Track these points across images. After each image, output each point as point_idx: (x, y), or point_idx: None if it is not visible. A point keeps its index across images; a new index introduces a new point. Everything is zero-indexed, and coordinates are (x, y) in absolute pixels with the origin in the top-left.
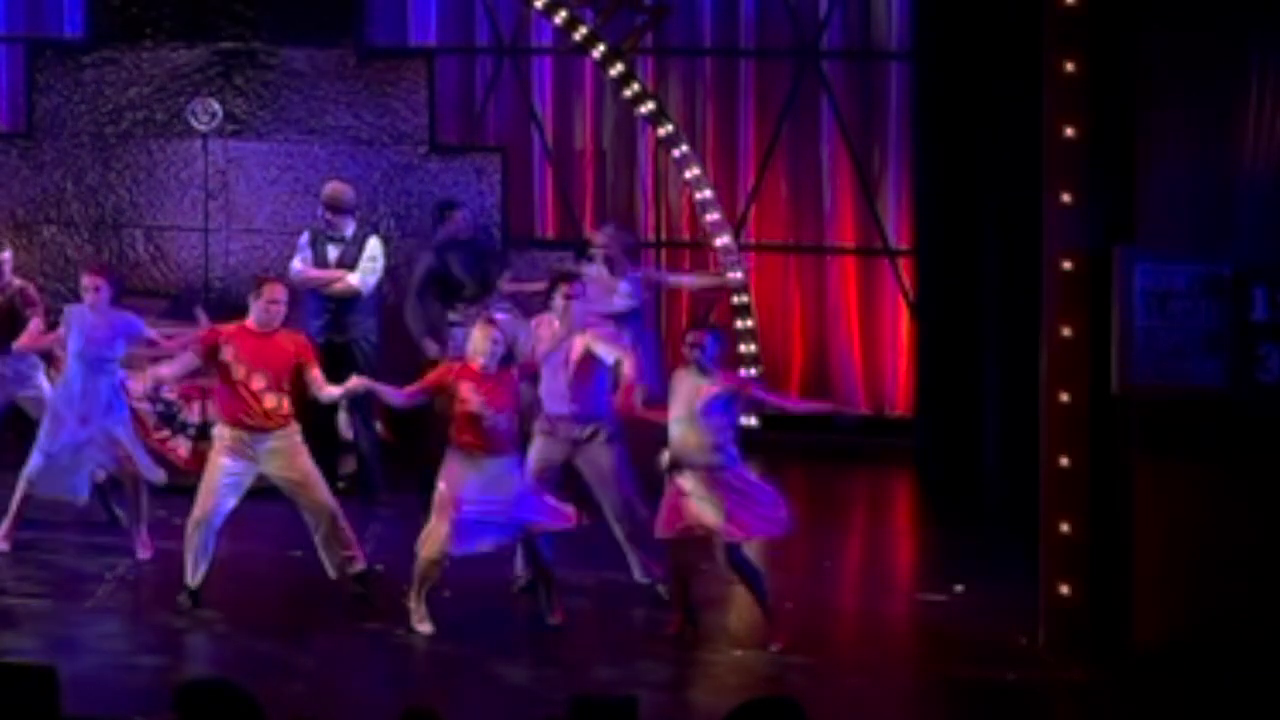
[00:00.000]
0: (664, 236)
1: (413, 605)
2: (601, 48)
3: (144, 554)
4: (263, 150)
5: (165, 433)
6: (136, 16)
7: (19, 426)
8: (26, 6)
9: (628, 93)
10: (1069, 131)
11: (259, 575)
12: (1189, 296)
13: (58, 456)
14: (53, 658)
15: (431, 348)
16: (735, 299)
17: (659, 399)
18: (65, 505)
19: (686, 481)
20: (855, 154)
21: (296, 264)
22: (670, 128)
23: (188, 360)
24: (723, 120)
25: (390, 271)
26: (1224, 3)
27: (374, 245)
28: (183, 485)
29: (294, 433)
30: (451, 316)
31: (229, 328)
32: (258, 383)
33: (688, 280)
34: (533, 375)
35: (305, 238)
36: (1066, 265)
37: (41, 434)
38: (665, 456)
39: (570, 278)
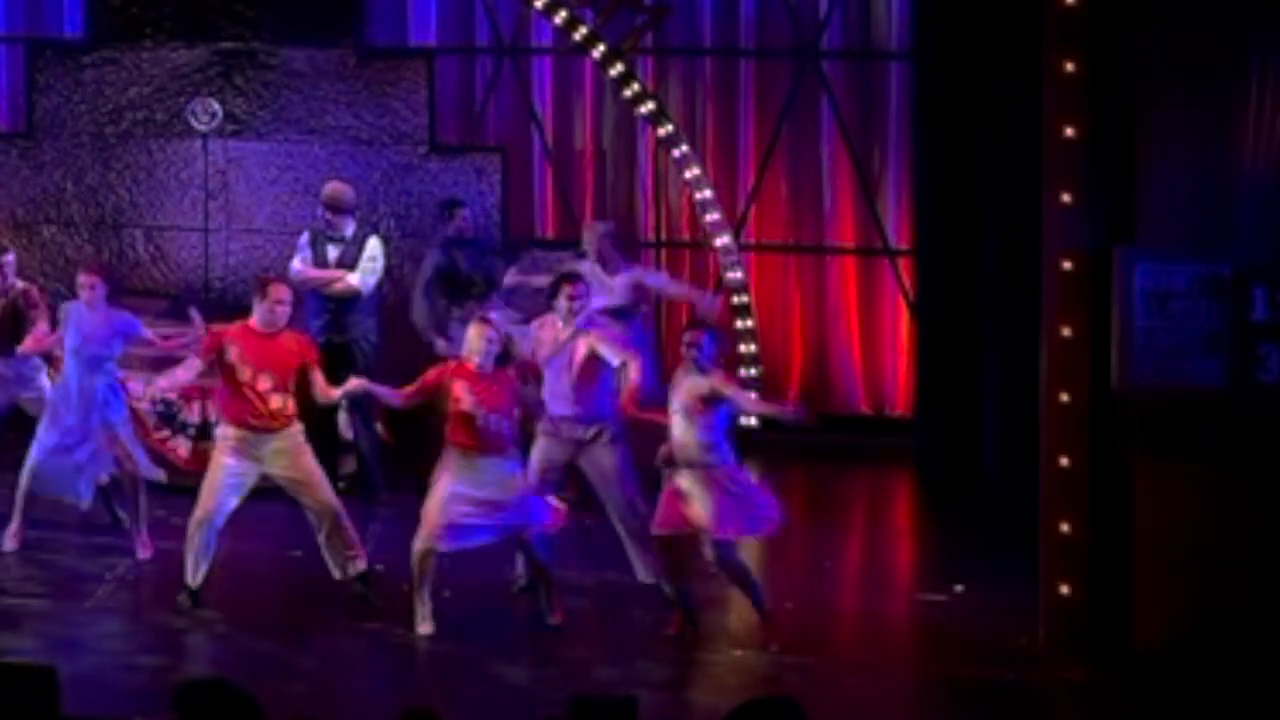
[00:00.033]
0: (664, 236)
1: (417, 605)
2: (601, 48)
3: (144, 554)
4: (263, 150)
5: (165, 433)
6: (136, 16)
7: (20, 427)
8: (26, 6)
9: (628, 93)
10: (1069, 131)
11: (259, 575)
12: (1189, 296)
13: (56, 453)
14: (53, 658)
15: (440, 344)
16: (735, 299)
17: (656, 399)
18: (68, 507)
19: (683, 480)
20: (855, 154)
21: (296, 264)
22: (670, 128)
23: (192, 366)
24: (723, 120)
25: (390, 271)
26: (1224, 3)
27: (374, 245)
28: (183, 485)
29: (298, 433)
30: (457, 314)
31: (232, 329)
32: (264, 383)
33: (672, 288)
34: (536, 376)
35: (305, 238)
36: (1066, 265)
37: (40, 430)
38: (664, 453)
39: (574, 279)
